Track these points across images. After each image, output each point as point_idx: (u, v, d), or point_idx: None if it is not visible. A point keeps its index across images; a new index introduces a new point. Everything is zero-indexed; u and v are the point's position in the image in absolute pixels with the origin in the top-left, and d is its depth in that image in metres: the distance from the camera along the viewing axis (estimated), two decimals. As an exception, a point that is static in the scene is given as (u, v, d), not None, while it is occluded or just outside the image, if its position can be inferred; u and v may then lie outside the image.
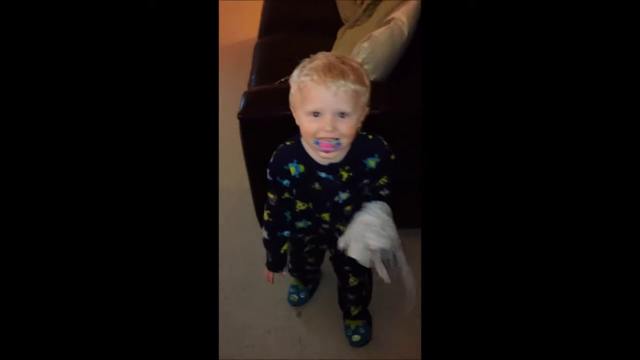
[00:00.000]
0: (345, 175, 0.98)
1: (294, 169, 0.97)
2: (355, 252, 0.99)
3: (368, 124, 0.96)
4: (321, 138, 0.87)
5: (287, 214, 1.08)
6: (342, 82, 0.83)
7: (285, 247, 1.13)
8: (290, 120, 1.07)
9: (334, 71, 0.84)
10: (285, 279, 1.36)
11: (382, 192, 1.07)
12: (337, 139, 0.87)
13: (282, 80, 1.57)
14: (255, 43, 1.96)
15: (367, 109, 0.91)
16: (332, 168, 0.97)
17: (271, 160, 1.00)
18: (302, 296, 1.43)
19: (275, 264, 1.15)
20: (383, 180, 1.06)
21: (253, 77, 1.70)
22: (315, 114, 0.86)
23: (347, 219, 1.04)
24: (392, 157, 1.02)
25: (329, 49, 1.77)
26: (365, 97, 0.88)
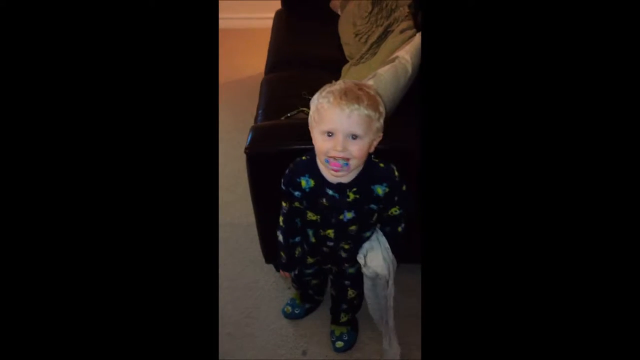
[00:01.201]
0: (352, 196, 1.02)
1: (304, 182, 1.03)
2: (376, 261, 1.10)
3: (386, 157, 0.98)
4: (332, 157, 0.93)
5: (298, 221, 1.13)
6: (355, 106, 0.89)
7: (299, 250, 1.18)
8: (297, 154, 1.08)
9: (350, 95, 0.90)
10: (289, 325, 1.36)
11: (396, 225, 1.11)
12: (346, 159, 0.92)
13: (288, 115, 1.60)
14: (262, 79, 2.00)
15: (380, 135, 0.96)
16: (339, 187, 1.01)
17: (287, 171, 1.06)
18: (296, 311, 1.45)
19: (290, 266, 1.22)
20: (395, 210, 1.08)
21: (260, 112, 1.72)
22: (329, 134, 0.92)
23: (351, 239, 1.11)
24: (404, 187, 1.05)
25: (334, 85, 1.80)
26: (378, 123, 0.93)
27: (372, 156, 1.01)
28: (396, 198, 1.06)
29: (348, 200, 1.03)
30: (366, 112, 0.90)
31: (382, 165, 1.03)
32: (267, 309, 1.49)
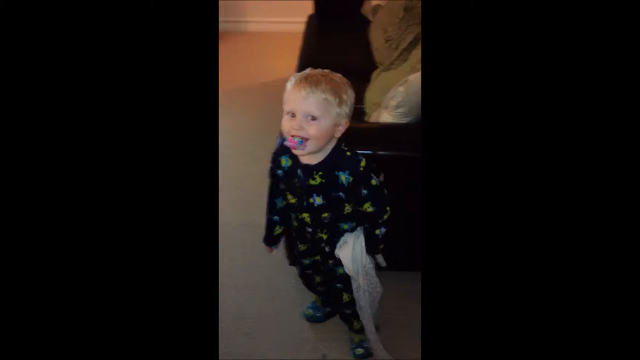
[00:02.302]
0: (317, 180, 1.07)
1: (284, 161, 1.10)
2: (344, 253, 1.12)
3: (406, 166, 0.95)
4: (291, 135, 0.99)
5: (278, 201, 1.21)
6: (312, 89, 0.97)
7: (278, 230, 1.25)
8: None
9: (309, 79, 0.98)
10: (309, 328, 1.36)
11: (373, 225, 1.13)
12: (303, 138, 0.98)
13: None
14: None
15: (344, 121, 1.02)
16: (306, 168, 1.07)
17: (274, 150, 1.15)
18: (317, 314, 1.46)
19: (268, 239, 1.28)
20: (368, 207, 1.10)
21: (287, 115, 1.73)
22: (292, 115, 0.99)
23: (327, 228, 1.15)
24: (374, 182, 1.07)
25: (362, 91, 1.80)
26: (338, 109, 0.99)
27: (343, 144, 1.05)
28: (365, 191, 1.07)
29: (314, 183, 1.07)
30: (323, 95, 0.96)
31: (348, 153, 1.06)
32: (287, 311, 1.49)
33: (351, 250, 1.13)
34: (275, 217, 1.23)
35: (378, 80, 1.82)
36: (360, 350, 1.36)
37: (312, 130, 0.98)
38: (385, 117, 1.40)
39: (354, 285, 1.19)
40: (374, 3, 2.38)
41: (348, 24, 2.39)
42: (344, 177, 1.05)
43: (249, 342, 1.41)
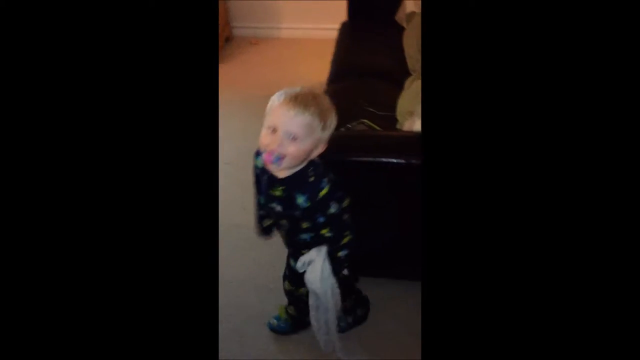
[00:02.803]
0: (278, 192, 1.09)
1: (259, 162, 1.12)
2: (312, 274, 1.13)
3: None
4: (269, 150, 0.99)
5: (261, 198, 1.19)
6: (301, 110, 0.96)
7: (267, 222, 1.27)
8: (358, 166, 1.08)
9: (299, 100, 0.98)
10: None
11: (334, 249, 1.13)
12: (280, 155, 0.98)
13: (349, 126, 1.60)
14: (323, 89, 2.02)
15: (322, 146, 1.03)
16: (271, 179, 1.09)
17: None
18: (282, 325, 1.50)
19: (258, 231, 1.30)
20: (326, 232, 1.11)
21: (320, 121, 1.74)
22: (273, 130, 0.99)
23: (285, 234, 1.19)
24: (331, 210, 1.06)
25: (395, 97, 1.79)
26: (321, 133, 1.00)
27: (311, 168, 1.05)
28: (321, 219, 1.07)
29: (275, 194, 1.09)
30: (310, 118, 0.97)
31: (312, 179, 1.05)
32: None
33: (319, 273, 1.13)
34: (261, 212, 1.25)
35: (411, 88, 1.81)
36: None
37: (291, 149, 0.98)
38: (420, 125, 1.39)
39: (314, 303, 1.21)
40: (408, 10, 2.37)
41: (382, 30, 2.39)
42: (301, 200, 1.05)
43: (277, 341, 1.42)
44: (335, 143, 1.35)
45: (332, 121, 1.03)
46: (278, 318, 1.51)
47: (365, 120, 1.63)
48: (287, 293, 1.38)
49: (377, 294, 1.58)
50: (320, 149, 1.04)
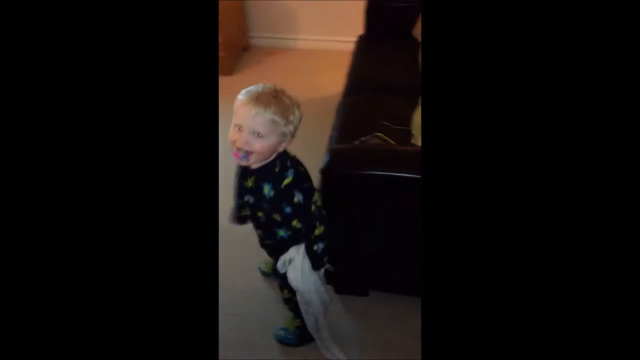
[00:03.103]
0: (250, 183, 1.14)
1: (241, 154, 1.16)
2: (293, 273, 1.16)
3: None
4: (237, 148, 1.05)
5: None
6: (261, 110, 1.02)
7: (245, 212, 1.29)
8: (373, 180, 1.09)
9: (260, 100, 1.03)
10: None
11: (309, 242, 1.15)
12: (248, 152, 1.05)
13: (363, 139, 1.61)
14: (338, 101, 2.04)
15: (289, 139, 1.08)
16: (244, 171, 1.15)
17: None
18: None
19: (233, 218, 1.35)
20: (296, 224, 1.15)
21: (335, 133, 1.75)
22: (239, 128, 1.04)
23: (262, 229, 1.23)
24: (295, 199, 1.10)
25: (410, 112, 1.80)
26: (285, 128, 1.05)
27: (279, 160, 1.10)
28: (288, 209, 1.11)
29: (248, 185, 1.14)
30: (270, 117, 1.02)
31: (277, 170, 1.10)
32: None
33: (300, 270, 1.17)
34: (240, 201, 1.28)
35: (426, 102, 1.81)
36: (282, 333, 1.48)
37: (257, 145, 1.04)
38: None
39: (302, 301, 1.24)
40: (425, 25, 2.38)
41: (398, 44, 2.40)
42: (267, 189, 1.11)
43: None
44: (350, 157, 1.36)
45: (295, 116, 1.07)
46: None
47: (380, 134, 1.64)
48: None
49: (389, 310, 1.58)
50: (287, 142, 1.09)
